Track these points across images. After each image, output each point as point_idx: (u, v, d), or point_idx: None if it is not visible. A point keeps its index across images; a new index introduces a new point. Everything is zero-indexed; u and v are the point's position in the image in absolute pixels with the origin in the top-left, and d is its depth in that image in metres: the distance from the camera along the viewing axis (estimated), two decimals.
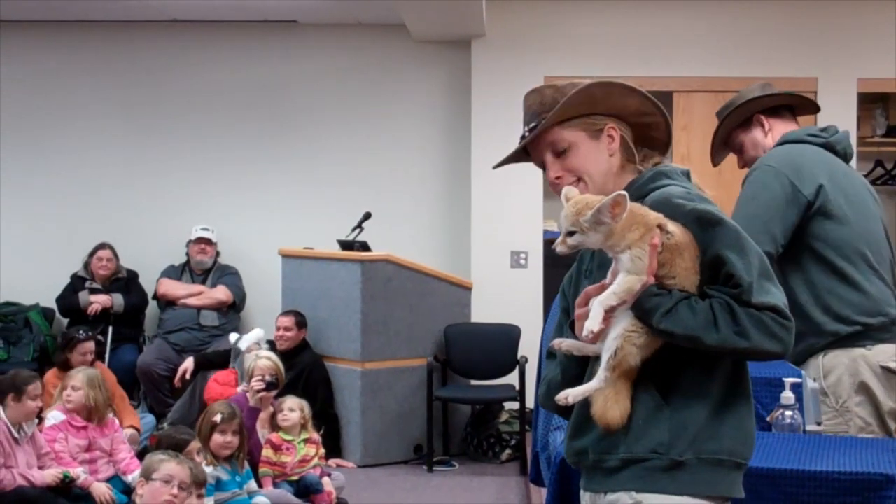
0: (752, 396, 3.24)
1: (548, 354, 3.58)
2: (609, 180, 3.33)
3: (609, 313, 3.08)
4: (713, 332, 2.97)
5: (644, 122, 3.39)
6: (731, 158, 5.93)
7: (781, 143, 5.59)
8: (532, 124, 3.40)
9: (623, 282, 3.06)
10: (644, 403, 3.11)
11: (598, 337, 3.11)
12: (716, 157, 5.88)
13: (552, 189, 3.42)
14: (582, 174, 3.34)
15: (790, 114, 5.86)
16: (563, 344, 3.23)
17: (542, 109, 3.36)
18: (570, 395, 3.18)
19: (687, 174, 3.36)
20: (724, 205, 3.38)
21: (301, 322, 10.15)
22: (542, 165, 3.45)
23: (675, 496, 3.06)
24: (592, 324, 3.06)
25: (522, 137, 3.43)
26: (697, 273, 3.06)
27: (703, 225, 3.06)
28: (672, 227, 3.07)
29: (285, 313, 10.26)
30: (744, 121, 5.70)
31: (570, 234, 3.11)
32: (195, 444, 6.97)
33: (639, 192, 3.23)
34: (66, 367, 9.72)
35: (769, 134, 5.68)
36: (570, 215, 3.11)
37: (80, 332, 9.88)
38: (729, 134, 5.74)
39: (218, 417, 7.69)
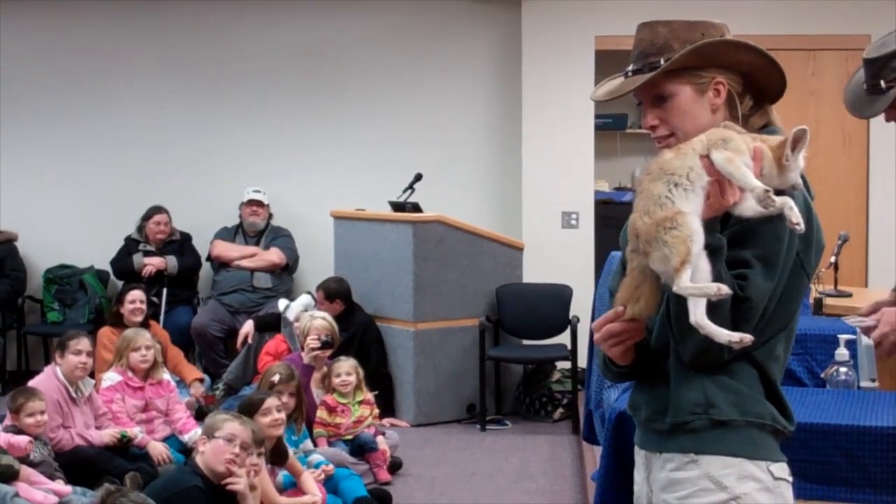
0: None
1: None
2: None
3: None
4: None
5: (756, 72, 3.26)
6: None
7: None
8: (636, 66, 3.26)
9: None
10: (675, 369, 3.16)
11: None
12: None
13: (651, 132, 3.33)
14: (676, 129, 3.23)
15: None
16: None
17: (652, 51, 3.22)
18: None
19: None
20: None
21: (331, 295, 10.14)
22: (641, 103, 3.34)
23: (722, 456, 3.09)
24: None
25: (626, 74, 3.30)
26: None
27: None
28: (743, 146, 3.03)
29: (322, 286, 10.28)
30: None
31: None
32: (272, 402, 7.01)
33: None
34: (118, 320, 9.84)
35: None
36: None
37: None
38: None
39: (277, 378, 7.74)
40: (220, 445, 5.84)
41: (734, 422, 3.09)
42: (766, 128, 3.26)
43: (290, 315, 9.75)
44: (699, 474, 3.11)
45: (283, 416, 7.09)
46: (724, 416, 3.09)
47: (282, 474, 7.13)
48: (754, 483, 3.09)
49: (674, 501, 3.17)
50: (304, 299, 10.11)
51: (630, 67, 3.28)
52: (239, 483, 5.83)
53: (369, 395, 8.71)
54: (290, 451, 7.22)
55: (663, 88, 3.23)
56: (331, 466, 7.53)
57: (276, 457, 7.13)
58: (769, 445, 3.13)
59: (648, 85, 3.24)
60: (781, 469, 3.15)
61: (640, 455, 3.38)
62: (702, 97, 3.21)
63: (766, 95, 3.31)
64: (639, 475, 3.39)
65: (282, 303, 10.24)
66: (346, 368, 8.60)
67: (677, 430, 3.15)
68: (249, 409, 6.96)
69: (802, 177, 3.05)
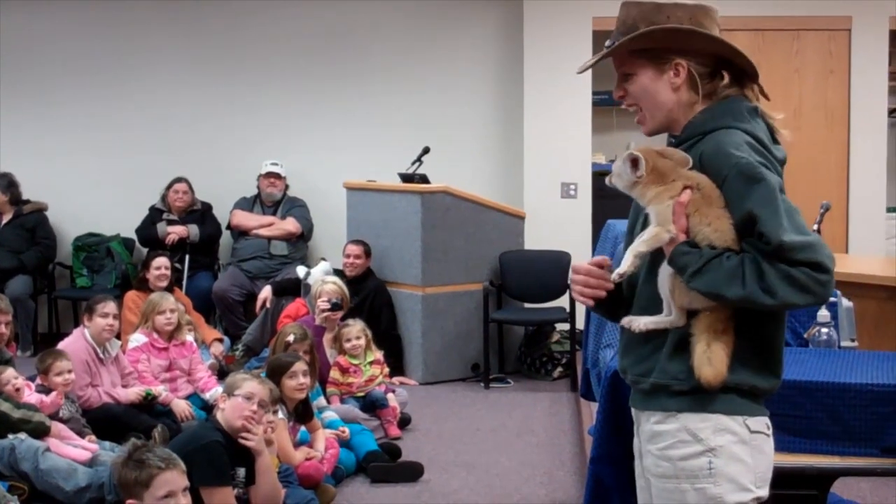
0: (783, 334, 3.25)
1: None
2: (674, 114, 3.28)
3: (637, 259, 3.17)
4: (737, 288, 2.98)
5: (726, 55, 3.27)
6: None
7: None
8: (609, 42, 3.32)
9: (651, 231, 3.14)
10: (672, 338, 3.20)
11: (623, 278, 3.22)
12: None
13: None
14: (638, 102, 3.30)
15: None
16: (639, 324, 3.27)
17: (623, 29, 3.27)
18: (638, 323, 3.26)
19: (754, 111, 3.25)
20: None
21: (368, 251, 10.20)
22: None
23: (700, 413, 3.15)
24: (622, 267, 3.17)
25: (607, 46, 3.34)
26: (729, 217, 3.06)
27: (743, 179, 3.03)
28: (700, 181, 3.10)
29: (354, 242, 10.29)
30: None
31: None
32: (300, 366, 7.03)
33: (702, 129, 3.21)
34: (143, 285, 9.89)
35: None
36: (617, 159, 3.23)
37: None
38: None
39: (291, 338, 7.77)
40: (239, 403, 5.86)
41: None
42: (733, 97, 3.27)
43: (311, 281, 9.76)
44: (678, 427, 3.18)
45: (308, 380, 7.11)
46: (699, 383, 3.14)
47: (300, 430, 7.17)
48: (730, 436, 3.14)
49: (656, 452, 3.24)
50: (323, 266, 10.12)
51: (607, 42, 3.33)
52: (252, 439, 5.84)
53: (379, 355, 8.73)
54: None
55: (627, 67, 3.31)
56: (347, 430, 7.58)
57: (302, 415, 7.16)
58: (747, 403, 3.17)
59: (616, 61, 3.33)
60: (759, 423, 3.19)
61: (633, 412, 3.44)
62: (662, 76, 3.26)
63: (746, 73, 3.31)
64: (635, 429, 3.45)
65: (301, 269, 10.25)
66: (356, 332, 8.62)
67: (659, 390, 3.21)
68: (278, 371, 6.99)
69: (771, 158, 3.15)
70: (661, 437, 3.22)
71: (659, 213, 3.13)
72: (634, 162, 3.15)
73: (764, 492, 3.19)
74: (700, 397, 3.14)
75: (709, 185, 3.09)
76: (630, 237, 3.36)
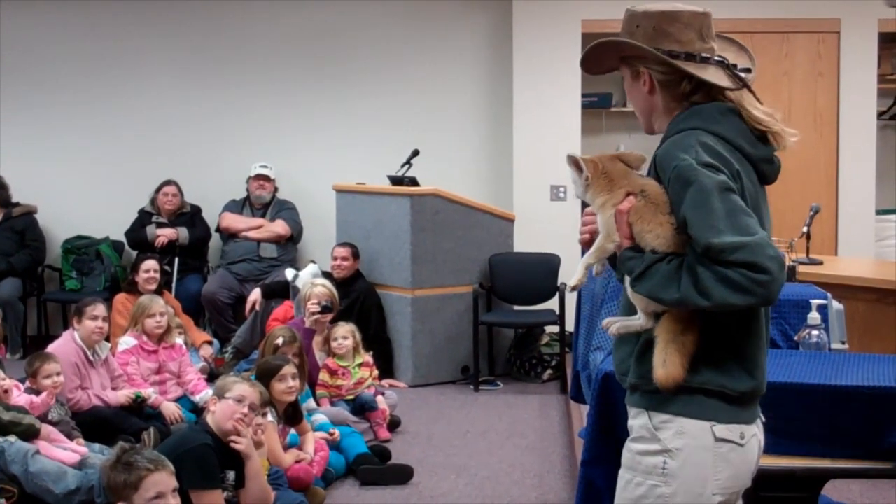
0: (759, 336, 3.23)
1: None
2: (652, 118, 3.35)
3: (586, 270, 3.28)
4: (673, 291, 2.99)
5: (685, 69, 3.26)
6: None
7: None
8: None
9: (598, 242, 3.22)
10: (641, 340, 3.24)
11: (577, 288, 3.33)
12: None
13: None
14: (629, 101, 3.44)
15: None
16: (613, 327, 3.31)
17: (620, 34, 3.35)
18: (613, 327, 3.32)
19: (728, 111, 3.23)
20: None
21: (356, 253, 10.19)
22: None
23: (663, 413, 3.18)
24: (573, 279, 3.29)
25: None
26: (673, 225, 3.07)
27: (679, 182, 3.04)
28: (647, 187, 3.12)
29: (341, 245, 10.30)
30: None
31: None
32: (289, 369, 7.02)
33: (671, 131, 3.23)
34: (132, 288, 9.90)
35: None
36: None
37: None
38: None
39: (280, 340, 7.75)
40: (229, 406, 5.85)
41: (680, 388, 3.14)
42: (712, 100, 3.26)
43: (300, 284, 9.75)
44: (643, 423, 3.23)
45: (297, 384, 7.10)
46: None
47: (290, 433, 7.17)
48: (690, 440, 3.14)
49: (628, 443, 3.30)
50: (311, 269, 10.12)
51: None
52: (242, 443, 5.83)
53: (368, 357, 8.73)
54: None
55: (621, 71, 3.42)
56: (337, 432, 7.57)
57: (291, 418, 7.15)
58: (717, 408, 3.15)
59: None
60: (729, 430, 3.16)
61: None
62: (636, 82, 3.35)
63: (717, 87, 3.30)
64: None
65: (290, 272, 10.24)
66: (343, 332, 8.63)
67: (634, 389, 3.27)
68: (267, 374, 6.97)
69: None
70: (633, 430, 3.28)
71: (604, 222, 3.19)
72: (575, 164, 3.23)
73: (721, 499, 3.17)
74: (664, 398, 3.16)
75: (656, 191, 3.11)
76: None
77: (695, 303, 2.97)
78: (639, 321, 3.21)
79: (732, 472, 3.17)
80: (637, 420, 3.25)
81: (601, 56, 3.38)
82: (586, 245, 3.33)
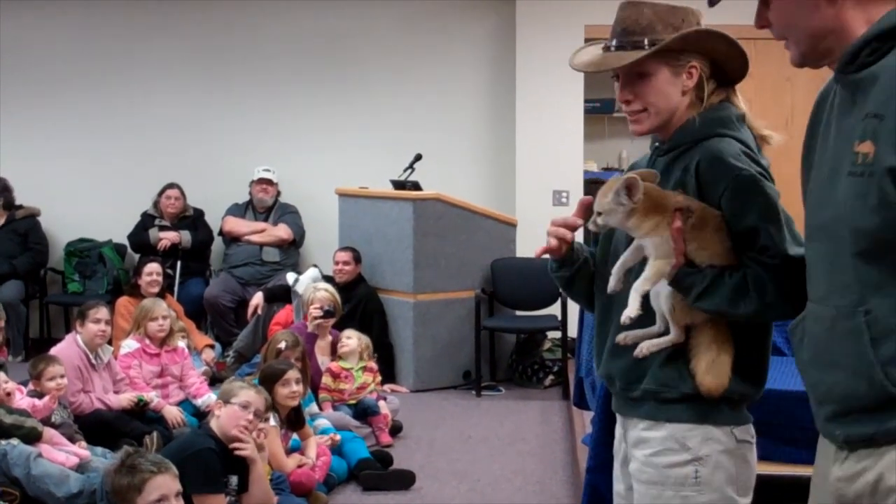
0: (770, 343, 3.26)
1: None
2: (675, 116, 3.26)
3: (642, 299, 3.13)
4: (744, 306, 3.00)
5: (726, 60, 3.28)
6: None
7: None
8: (619, 42, 3.26)
9: (652, 267, 3.10)
10: (666, 348, 3.21)
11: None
12: None
13: (623, 105, 3.36)
14: (650, 105, 3.26)
15: None
16: (643, 348, 3.24)
17: (636, 29, 3.22)
18: (640, 349, 3.22)
19: (741, 118, 3.26)
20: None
21: (357, 257, 10.19)
22: (617, 78, 3.34)
23: (689, 423, 3.17)
24: (631, 311, 3.11)
25: (608, 48, 3.30)
26: (726, 235, 3.07)
27: (745, 192, 3.04)
28: (690, 204, 3.08)
29: (343, 249, 10.29)
30: None
31: (599, 213, 3.14)
32: (293, 373, 7.00)
33: (692, 137, 3.20)
34: (135, 291, 9.89)
35: None
36: (598, 197, 3.14)
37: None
38: None
39: (283, 345, 7.73)
40: (235, 411, 5.83)
41: (701, 395, 3.14)
42: (722, 103, 3.28)
43: (300, 288, 9.73)
44: (666, 435, 3.19)
45: (300, 388, 7.08)
46: (691, 391, 3.15)
47: (292, 438, 7.15)
48: (717, 445, 3.16)
49: (642, 458, 3.25)
50: (311, 273, 10.10)
51: (613, 42, 3.28)
52: (246, 449, 5.82)
53: (372, 363, 8.72)
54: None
55: (644, 66, 3.24)
56: (338, 436, 7.56)
57: (293, 423, 7.13)
58: (734, 411, 3.19)
59: (628, 62, 3.25)
60: (745, 431, 3.21)
61: (618, 418, 3.47)
62: (676, 79, 3.24)
63: (728, 78, 3.32)
64: (618, 432, 3.48)
65: (290, 276, 10.22)
66: (348, 332, 8.71)
67: (648, 396, 3.22)
68: (271, 378, 6.94)
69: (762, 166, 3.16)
70: (648, 443, 3.23)
71: (657, 245, 3.10)
72: (631, 188, 3.06)
73: (747, 500, 3.21)
74: (689, 406, 3.16)
75: (699, 207, 3.08)
76: (606, 245, 3.42)
77: (765, 315, 3.03)
78: (670, 338, 3.18)
79: (750, 472, 3.23)
80: (655, 432, 3.21)
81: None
82: (551, 254, 3.37)
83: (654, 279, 3.10)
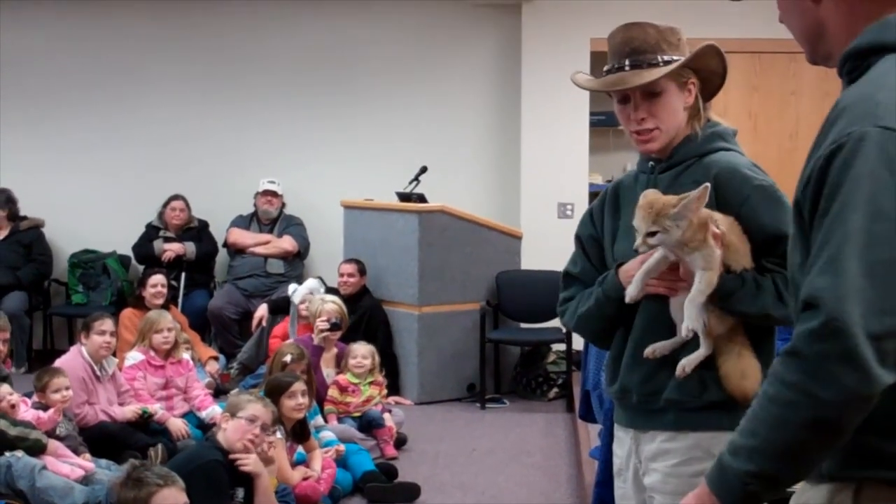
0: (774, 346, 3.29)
1: (565, 275, 3.83)
2: (676, 134, 3.31)
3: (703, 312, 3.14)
4: (783, 308, 3.05)
5: (710, 76, 3.34)
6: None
7: None
8: (633, 60, 3.29)
9: (705, 278, 3.10)
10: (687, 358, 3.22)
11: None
12: None
13: (627, 128, 3.37)
14: (661, 124, 3.28)
15: None
16: (657, 351, 3.25)
17: (647, 48, 3.27)
18: (686, 366, 3.22)
19: (734, 133, 3.35)
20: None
21: (362, 269, 10.18)
22: (624, 99, 3.35)
23: (712, 430, 3.17)
24: (696, 325, 3.11)
25: (623, 68, 3.31)
26: (746, 242, 3.13)
27: (769, 200, 3.11)
28: (713, 214, 3.13)
29: (348, 261, 10.29)
30: None
31: (651, 234, 3.10)
32: (299, 386, 6.98)
33: (697, 152, 3.26)
34: (139, 303, 9.89)
35: None
36: (649, 215, 3.10)
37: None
38: None
39: (288, 358, 7.72)
40: (242, 425, 5.82)
41: (724, 402, 3.16)
42: (710, 121, 3.36)
43: (296, 298, 9.72)
44: (691, 444, 3.21)
45: (307, 401, 7.06)
46: (715, 398, 3.18)
47: (297, 450, 7.14)
48: None
49: (665, 469, 3.25)
50: (310, 283, 10.08)
51: (626, 62, 3.30)
52: (249, 463, 5.81)
53: (380, 377, 8.71)
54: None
55: (659, 84, 3.27)
56: (342, 447, 7.54)
57: (299, 435, 7.12)
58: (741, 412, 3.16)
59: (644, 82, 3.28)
60: None
61: (626, 433, 3.44)
62: (681, 94, 3.30)
63: (703, 94, 3.37)
64: (621, 450, 3.47)
65: (291, 287, 10.22)
66: (363, 352, 8.62)
67: (671, 406, 3.24)
68: (277, 390, 6.92)
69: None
70: (671, 454, 3.24)
71: (707, 256, 3.11)
72: (703, 195, 3.06)
73: None
74: (714, 413, 3.18)
75: (720, 217, 3.14)
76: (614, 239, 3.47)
77: (791, 317, 3.02)
78: (703, 352, 3.19)
79: None
80: (678, 442, 3.22)
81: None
82: (667, 294, 3.26)
83: (709, 290, 3.12)
